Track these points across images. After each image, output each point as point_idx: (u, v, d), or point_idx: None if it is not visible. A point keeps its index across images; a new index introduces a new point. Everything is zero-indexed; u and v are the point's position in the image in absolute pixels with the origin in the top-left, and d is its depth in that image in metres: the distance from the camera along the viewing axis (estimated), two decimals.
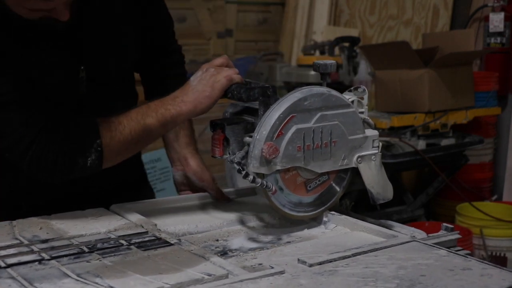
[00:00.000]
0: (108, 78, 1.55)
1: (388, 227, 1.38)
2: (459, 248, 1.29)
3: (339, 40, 3.89)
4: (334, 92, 1.36)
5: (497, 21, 3.83)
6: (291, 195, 1.38)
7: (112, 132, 1.37)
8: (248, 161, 1.30)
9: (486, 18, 3.91)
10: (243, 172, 1.29)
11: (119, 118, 1.39)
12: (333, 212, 1.42)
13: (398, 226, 1.39)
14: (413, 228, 1.36)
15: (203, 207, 1.58)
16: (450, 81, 3.33)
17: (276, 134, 1.29)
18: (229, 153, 1.33)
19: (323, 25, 4.57)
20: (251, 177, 1.29)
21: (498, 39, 3.86)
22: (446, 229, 1.32)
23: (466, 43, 3.50)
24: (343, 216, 1.42)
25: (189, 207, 1.58)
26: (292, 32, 4.77)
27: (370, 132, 1.42)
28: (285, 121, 1.29)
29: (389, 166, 3.13)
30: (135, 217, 1.41)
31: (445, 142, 3.38)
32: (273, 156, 1.28)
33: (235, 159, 1.30)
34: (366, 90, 1.43)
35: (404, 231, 1.36)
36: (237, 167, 1.30)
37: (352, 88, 1.44)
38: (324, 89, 1.35)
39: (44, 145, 1.35)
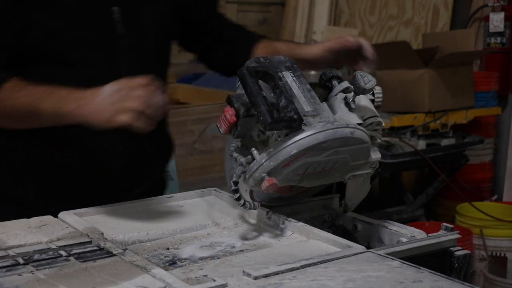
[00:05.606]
0: (142, 20, 1.61)
1: (388, 227, 1.39)
2: (458, 248, 1.30)
3: None
4: (358, 133, 1.26)
5: (497, 21, 3.83)
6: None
7: (9, 94, 1.41)
8: (246, 176, 1.27)
9: (486, 18, 3.91)
10: (237, 195, 1.29)
11: (25, 88, 1.40)
12: (290, 219, 1.36)
13: (398, 226, 1.39)
14: (413, 228, 1.36)
15: (158, 212, 1.50)
16: (450, 81, 3.34)
17: (282, 166, 1.24)
18: (233, 134, 1.30)
19: (323, 25, 4.57)
20: (241, 202, 1.30)
21: (498, 39, 3.87)
22: (446, 229, 1.32)
23: (466, 43, 3.50)
24: (300, 224, 1.34)
25: (144, 212, 1.49)
26: (292, 32, 4.77)
27: (374, 155, 1.35)
28: (296, 157, 1.23)
29: (389, 166, 3.14)
30: (82, 225, 1.32)
31: (445, 142, 3.38)
32: (271, 190, 1.25)
33: (233, 177, 1.28)
34: (382, 123, 1.37)
35: (404, 231, 1.36)
36: (234, 187, 1.29)
37: (367, 117, 1.35)
38: (348, 132, 1.24)
39: None
